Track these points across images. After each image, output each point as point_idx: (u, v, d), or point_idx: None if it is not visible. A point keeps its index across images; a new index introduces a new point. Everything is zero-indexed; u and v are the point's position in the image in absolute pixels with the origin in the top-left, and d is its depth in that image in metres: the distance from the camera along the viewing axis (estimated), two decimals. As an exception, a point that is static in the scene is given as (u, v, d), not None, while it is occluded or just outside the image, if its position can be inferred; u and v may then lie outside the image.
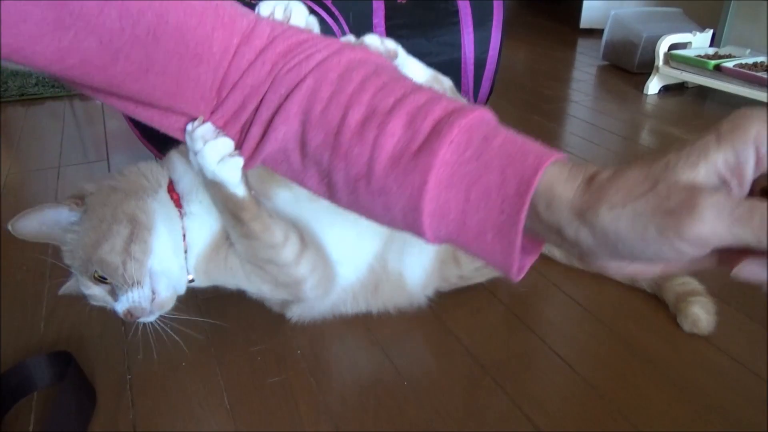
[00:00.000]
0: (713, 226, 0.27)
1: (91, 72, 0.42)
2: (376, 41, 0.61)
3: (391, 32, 1.36)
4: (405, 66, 0.66)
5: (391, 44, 0.64)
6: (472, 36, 1.37)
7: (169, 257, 0.62)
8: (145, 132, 1.12)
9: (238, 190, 0.57)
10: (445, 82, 0.73)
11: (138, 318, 0.60)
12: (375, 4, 1.37)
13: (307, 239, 0.66)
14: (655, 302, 0.78)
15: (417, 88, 0.41)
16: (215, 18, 0.44)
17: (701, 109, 1.58)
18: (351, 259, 0.72)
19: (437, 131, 0.37)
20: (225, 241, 0.66)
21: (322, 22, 1.27)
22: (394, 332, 0.73)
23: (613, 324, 0.74)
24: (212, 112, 0.47)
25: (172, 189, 0.65)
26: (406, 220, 0.39)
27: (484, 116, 0.39)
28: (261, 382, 0.66)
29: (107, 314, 0.77)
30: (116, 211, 0.60)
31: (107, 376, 0.67)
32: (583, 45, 2.34)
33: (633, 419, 0.60)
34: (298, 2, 0.52)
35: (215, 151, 0.49)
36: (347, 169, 0.41)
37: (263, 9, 0.51)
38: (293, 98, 0.43)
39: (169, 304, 0.62)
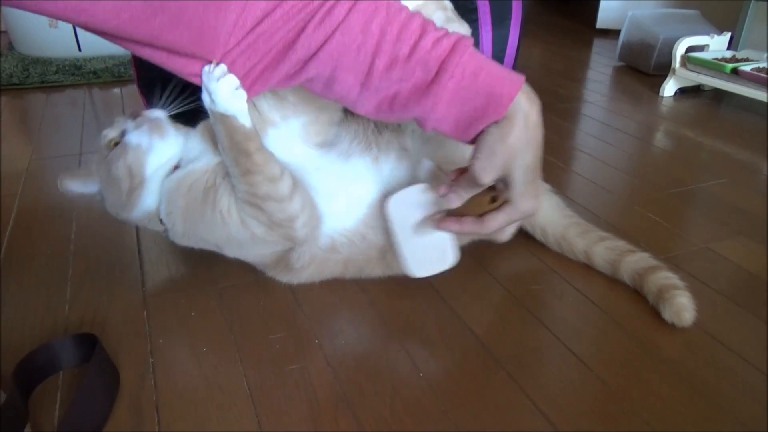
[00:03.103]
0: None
1: (137, 26, 0.51)
2: None
3: (409, 28, 1.37)
4: None
5: None
6: (490, 35, 1.38)
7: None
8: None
9: (246, 120, 0.65)
10: (447, 3, 0.77)
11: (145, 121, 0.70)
12: (394, 0, 1.38)
13: (294, 178, 0.72)
14: (668, 302, 0.79)
15: (423, 31, 0.58)
16: None
17: (717, 112, 1.58)
18: (338, 206, 0.76)
19: (443, 69, 0.57)
20: (212, 188, 0.71)
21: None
22: (410, 325, 0.75)
23: (626, 322, 0.75)
24: (225, 53, 0.59)
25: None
26: (415, 121, 0.62)
27: (469, 49, 0.58)
28: (280, 369, 0.67)
29: (130, 298, 0.79)
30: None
31: (130, 359, 0.69)
32: (599, 45, 2.34)
33: (645, 416, 0.61)
34: None
35: (228, 85, 0.61)
36: (377, 96, 0.60)
37: None
38: (325, 49, 0.57)
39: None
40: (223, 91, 0.61)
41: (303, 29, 0.57)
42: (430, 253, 0.73)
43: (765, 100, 1.46)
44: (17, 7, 0.48)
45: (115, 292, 0.80)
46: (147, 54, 0.57)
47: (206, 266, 0.86)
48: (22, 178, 1.14)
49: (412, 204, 0.71)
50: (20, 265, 0.87)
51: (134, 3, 0.50)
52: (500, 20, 1.38)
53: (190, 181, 0.71)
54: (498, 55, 1.40)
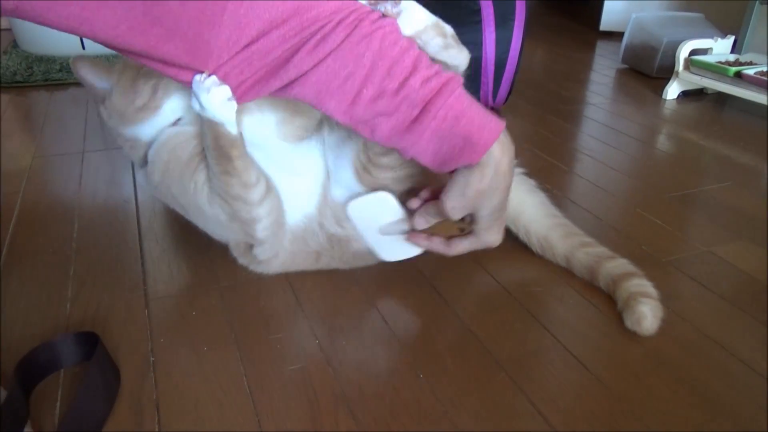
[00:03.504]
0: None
1: (134, 36, 0.53)
2: None
3: (412, 29, 1.37)
4: (408, 10, 0.69)
5: None
6: (493, 35, 1.38)
7: None
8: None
9: (233, 128, 0.67)
10: (447, 30, 0.75)
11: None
12: (398, 1, 1.38)
13: (269, 183, 0.74)
14: (669, 304, 0.79)
15: (414, 68, 0.60)
16: None
17: (720, 116, 1.58)
18: (298, 191, 0.78)
19: (427, 109, 0.60)
20: (197, 156, 0.73)
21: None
22: (411, 327, 0.75)
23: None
24: (218, 66, 0.60)
25: None
26: (396, 148, 0.65)
27: (456, 92, 0.61)
28: (280, 369, 0.67)
29: (132, 296, 0.79)
30: None
31: (131, 358, 0.69)
32: (602, 47, 2.34)
33: (645, 419, 0.61)
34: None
35: (219, 95, 0.62)
36: (359, 123, 0.63)
37: None
38: (315, 72, 0.60)
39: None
40: (215, 100, 0.62)
41: (297, 51, 0.59)
42: (399, 244, 0.77)
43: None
44: (19, 17, 0.49)
45: (117, 291, 0.81)
46: (144, 62, 0.60)
47: (207, 266, 0.86)
48: (24, 176, 1.15)
49: (374, 210, 0.75)
50: (22, 263, 0.87)
51: (132, 15, 0.52)
52: (503, 21, 1.39)
53: (178, 141, 0.73)
54: (501, 56, 1.40)
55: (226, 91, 0.62)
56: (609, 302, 0.80)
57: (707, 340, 0.73)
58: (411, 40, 0.63)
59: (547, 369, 0.68)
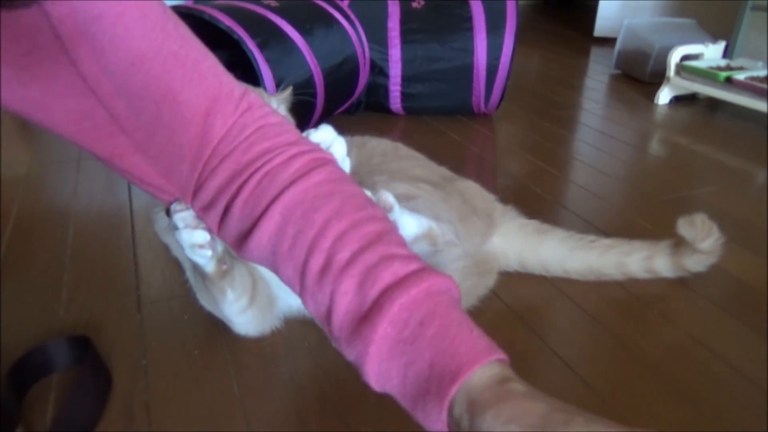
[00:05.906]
0: None
1: (98, 138, 0.46)
2: (384, 197, 0.66)
3: (405, 37, 1.39)
4: (399, 221, 0.67)
5: (388, 200, 0.66)
6: (485, 42, 1.39)
7: None
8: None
9: (207, 268, 0.63)
10: (439, 238, 0.72)
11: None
12: (390, 9, 1.40)
13: (258, 291, 0.70)
14: (657, 308, 0.80)
15: (373, 239, 0.43)
16: (191, 121, 0.46)
17: (711, 121, 1.59)
18: None
19: (380, 304, 0.39)
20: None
21: (337, 25, 1.30)
22: (400, 329, 0.76)
23: (614, 328, 0.76)
24: (192, 201, 0.51)
25: None
26: (358, 369, 0.43)
27: (429, 290, 0.40)
28: (270, 371, 0.68)
29: (125, 301, 0.80)
30: None
31: (123, 361, 0.70)
32: (596, 53, 2.35)
33: (630, 422, 0.62)
34: (341, 140, 0.59)
35: (190, 239, 0.55)
36: (315, 306, 0.44)
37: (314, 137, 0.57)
38: (262, 227, 0.46)
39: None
40: (186, 241, 0.55)
41: (237, 194, 0.47)
42: None
43: (759, 108, 1.47)
44: None
45: (110, 296, 0.82)
46: (119, 172, 0.49)
47: (200, 270, 0.87)
48: (21, 183, 1.16)
49: None
50: (18, 269, 0.88)
51: (99, 115, 0.43)
52: (495, 28, 1.40)
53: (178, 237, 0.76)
54: (492, 63, 1.42)
55: (201, 236, 0.53)
56: (597, 306, 0.80)
57: (693, 343, 0.74)
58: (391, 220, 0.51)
59: (534, 372, 0.69)
